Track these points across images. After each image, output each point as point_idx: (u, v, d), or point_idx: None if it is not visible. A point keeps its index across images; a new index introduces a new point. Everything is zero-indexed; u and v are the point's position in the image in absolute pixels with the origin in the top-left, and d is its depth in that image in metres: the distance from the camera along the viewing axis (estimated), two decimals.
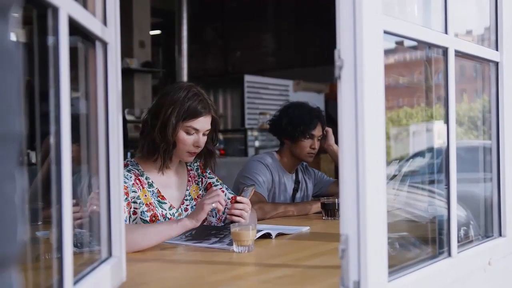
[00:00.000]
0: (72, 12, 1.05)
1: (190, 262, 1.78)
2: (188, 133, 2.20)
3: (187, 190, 2.36)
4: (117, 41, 1.38)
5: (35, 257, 1.19)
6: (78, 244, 1.32)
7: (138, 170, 2.22)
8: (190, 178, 2.39)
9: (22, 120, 0.55)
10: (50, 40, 1.00)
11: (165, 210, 2.23)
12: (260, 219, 2.68)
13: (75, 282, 1.07)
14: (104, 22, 1.34)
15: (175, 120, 2.16)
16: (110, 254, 1.36)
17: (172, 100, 2.18)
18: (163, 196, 2.25)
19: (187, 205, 2.33)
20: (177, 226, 1.98)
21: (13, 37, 0.54)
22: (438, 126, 1.85)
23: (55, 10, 0.99)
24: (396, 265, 1.31)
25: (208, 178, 2.44)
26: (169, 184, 2.30)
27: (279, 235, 2.18)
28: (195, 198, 2.36)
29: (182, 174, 2.38)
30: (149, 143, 2.21)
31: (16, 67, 0.54)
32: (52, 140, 1.00)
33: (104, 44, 1.34)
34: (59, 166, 1.00)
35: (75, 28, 1.10)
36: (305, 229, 2.34)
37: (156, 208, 2.20)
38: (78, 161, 1.29)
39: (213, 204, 1.97)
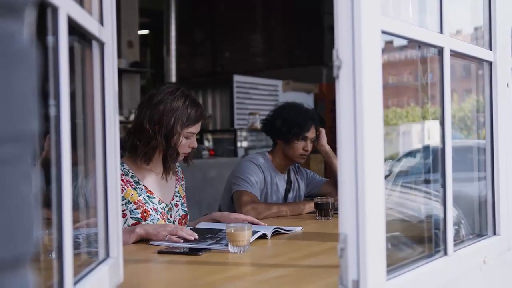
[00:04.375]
0: (71, 12, 1.05)
1: (186, 262, 1.77)
2: (187, 138, 2.27)
3: (176, 187, 2.41)
4: (113, 41, 1.37)
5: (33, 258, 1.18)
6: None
7: (122, 170, 2.23)
8: (177, 177, 2.45)
9: (38, 120, 0.55)
10: (49, 39, 0.99)
11: (156, 204, 2.26)
12: None
13: (75, 283, 1.06)
14: (101, 21, 1.33)
15: (180, 129, 2.23)
16: (107, 255, 1.35)
17: (172, 108, 2.22)
18: (151, 191, 2.28)
19: (177, 201, 2.38)
20: (133, 235, 2.02)
21: (28, 36, 0.53)
22: (429, 125, 1.86)
23: (55, 9, 0.98)
24: (394, 264, 1.32)
25: (185, 186, 2.51)
26: (157, 182, 2.33)
27: (276, 234, 2.18)
28: (183, 196, 2.43)
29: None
30: (151, 150, 2.24)
31: (31, 67, 0.53)
32: (51, 140, 0.99)
33: (101, 44, 1.33)
34: (59, 167, 0.99)
35: (72, 28, 1.10)
36: (299, 229, 2.35)
37: (146, 204, 2.23)
38: (73, 161, 1.28)
39: (167, 238, 2.00)
